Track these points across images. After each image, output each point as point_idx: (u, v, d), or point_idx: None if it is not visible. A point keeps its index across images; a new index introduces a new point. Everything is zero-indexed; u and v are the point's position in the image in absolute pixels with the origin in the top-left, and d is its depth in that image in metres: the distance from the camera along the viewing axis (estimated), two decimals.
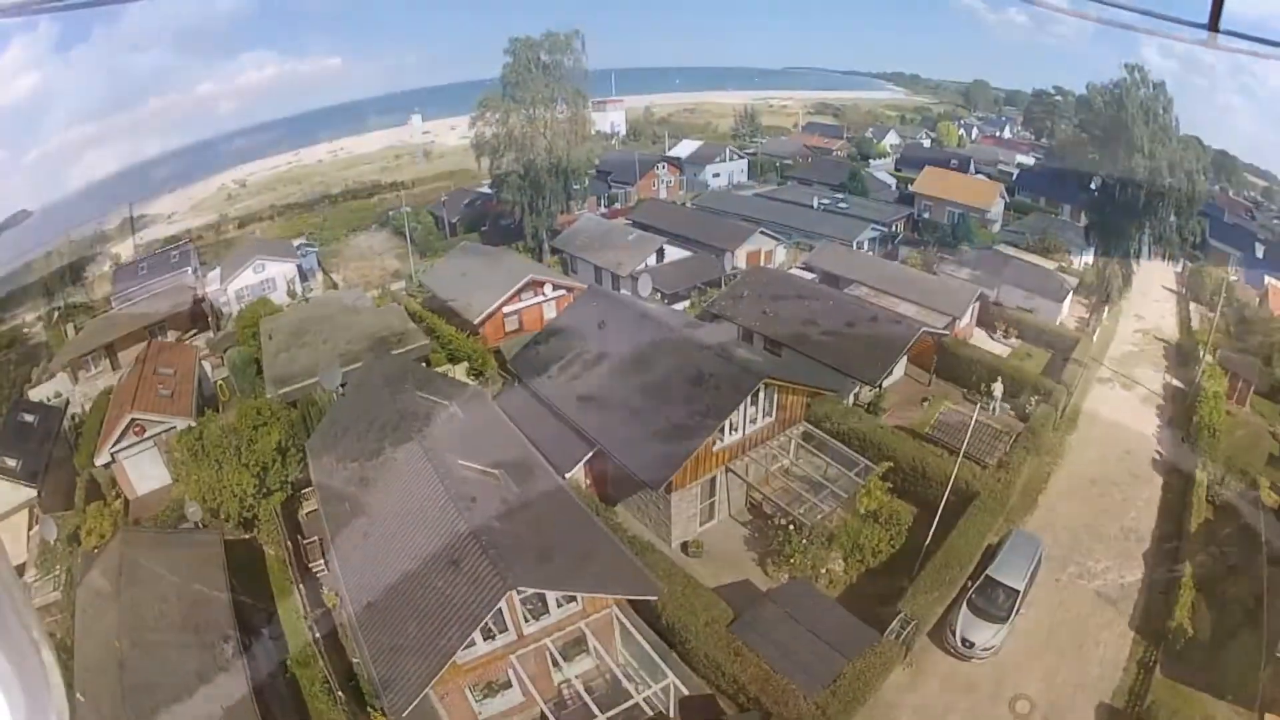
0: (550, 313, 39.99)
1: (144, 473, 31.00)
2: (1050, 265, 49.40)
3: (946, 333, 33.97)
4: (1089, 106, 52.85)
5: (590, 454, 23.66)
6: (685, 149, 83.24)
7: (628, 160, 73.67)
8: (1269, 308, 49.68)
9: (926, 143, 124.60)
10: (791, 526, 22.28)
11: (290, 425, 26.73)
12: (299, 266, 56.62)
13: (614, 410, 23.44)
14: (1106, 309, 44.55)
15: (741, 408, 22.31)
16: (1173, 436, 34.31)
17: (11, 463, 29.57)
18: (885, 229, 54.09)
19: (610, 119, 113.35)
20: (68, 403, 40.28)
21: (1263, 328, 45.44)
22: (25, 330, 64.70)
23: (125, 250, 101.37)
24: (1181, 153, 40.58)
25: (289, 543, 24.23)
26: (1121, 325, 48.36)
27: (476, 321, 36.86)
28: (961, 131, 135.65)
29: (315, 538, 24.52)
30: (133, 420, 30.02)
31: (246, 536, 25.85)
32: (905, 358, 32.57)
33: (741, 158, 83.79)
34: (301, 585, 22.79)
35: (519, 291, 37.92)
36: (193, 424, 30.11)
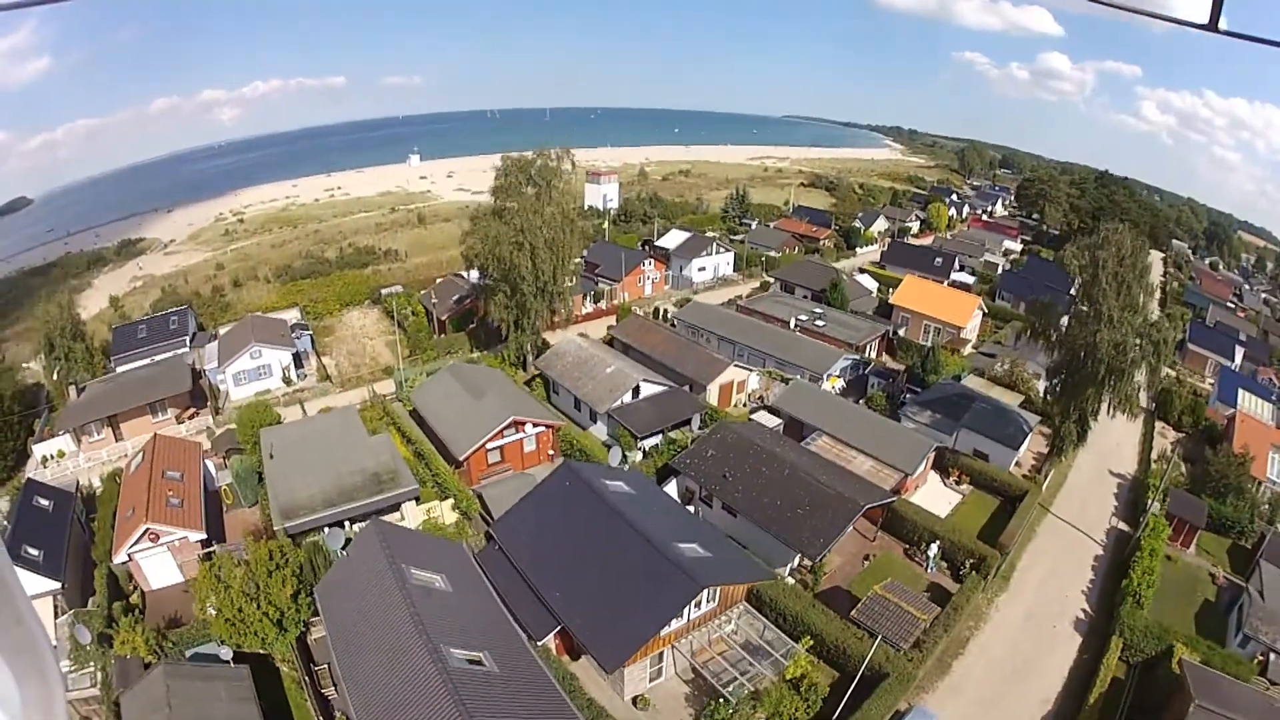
0: (530, 445, 45.37)
1: (158, 569, 37.05)
2: (1015, 399, 54.76)
3: (894, 499, 39.24)
4: (1062, 266, 57.86)
5: (558, 627, 28.72)
6: (673, 239, 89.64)
7: (615, 255, 79.72)
8: (1232, 443, 53.33)
9: (916, 224, 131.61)
10: (721, 699, 27.37)
11: (299, 568, 31.65)
12: (294, 354, 61.75)
13: (578, 590, 28.67)
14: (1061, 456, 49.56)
15: None
16: (1101, 595, 39.51)
17: (34, 553, 34.85)
18: (858, 356, 59.75)
19: (603, 191, 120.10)
20: (78, 484, 45.37)
21: (1220, 467, 49.64)
22: (24, 366, 70.26)
23: (121, 282, 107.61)
24: (1152, 324, 43.27)
25: (306, 676, 29.93)
26: (1081, 456, 53.66)
27: (462, 458, 42.02)
28: (952, 211, 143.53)
29: (325, 664, 30.19)
30: (147, 529, 35.91)
31: (262, 652, 31.33)
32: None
33: (727, 250, 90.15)
34: (320, 717, 28.23)
35: (502, 429, 43.17)
36: (204, 536, 36.84)
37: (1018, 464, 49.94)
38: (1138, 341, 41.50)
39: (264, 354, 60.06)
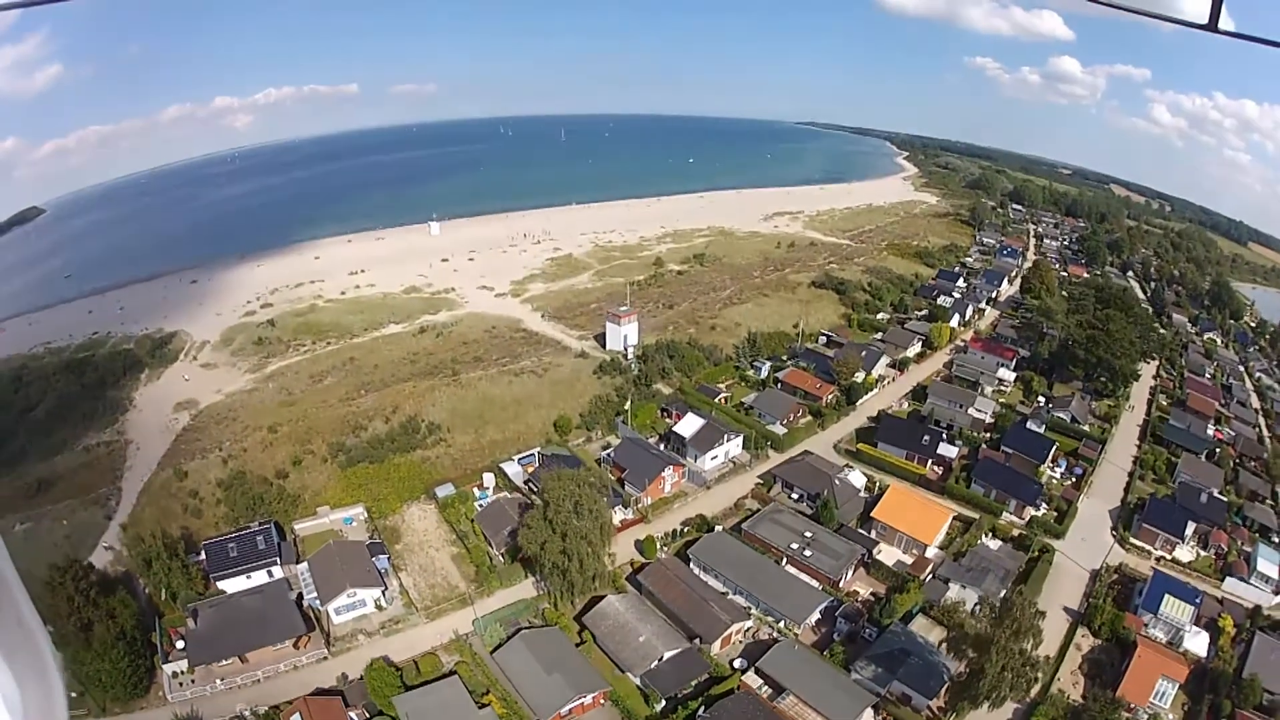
0: (588, 701, 75.46)
1: None
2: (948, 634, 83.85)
3: None
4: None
5: None
6: (689, 426, 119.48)
7: (639, 460, 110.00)
8: (1129, 669, 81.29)
9: (917, 347, 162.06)
10: None
11: None
12: (382, 592, 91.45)
13: None
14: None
15: None
16: None
17: None
18: (833, 595, 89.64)
19: (623, 332, 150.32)
20: None
21: (1094, 715, 74.91)
22: (104, 548, 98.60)
23: (164, 405, 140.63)
24: (1029, 663, 68.86)
25: None
26: None
27: None
28: (954, 321, 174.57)
29: None
30: None
31: None
32: None
33: (736, 435, 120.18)
34: None
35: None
36: None
37: (936, 696, 79.00)
38: (1010, 678, 68.06)
39: (358, 593, 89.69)
